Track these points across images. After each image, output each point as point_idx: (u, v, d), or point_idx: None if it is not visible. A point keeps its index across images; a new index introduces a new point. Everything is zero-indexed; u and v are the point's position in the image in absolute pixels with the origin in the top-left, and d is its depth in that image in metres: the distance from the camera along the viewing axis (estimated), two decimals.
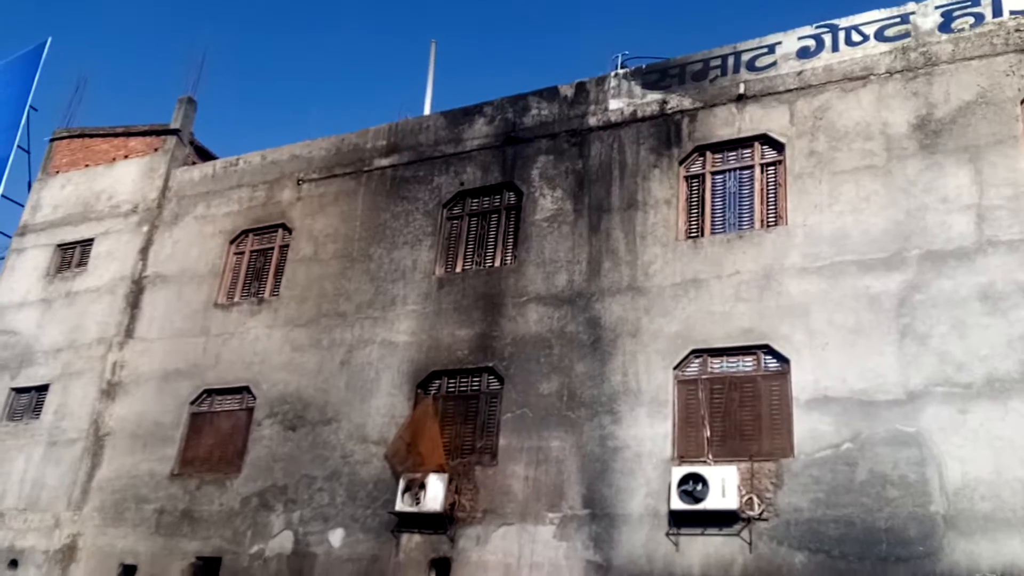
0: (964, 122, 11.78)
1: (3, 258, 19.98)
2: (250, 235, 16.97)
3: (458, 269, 14.58)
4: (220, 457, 15.01)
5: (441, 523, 12.50)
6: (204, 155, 19.33)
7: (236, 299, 16.42)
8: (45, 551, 15.57)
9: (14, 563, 15.77)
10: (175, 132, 19.01)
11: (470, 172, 15.21)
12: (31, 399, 17.61)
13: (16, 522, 16.20)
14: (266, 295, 16.09)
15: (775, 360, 11.69)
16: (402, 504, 12.65)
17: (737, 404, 11.63)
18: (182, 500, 14.83)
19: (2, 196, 21.17)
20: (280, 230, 16.64)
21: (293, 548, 13.53)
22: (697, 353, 12.13)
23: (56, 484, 16.14)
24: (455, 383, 13.77)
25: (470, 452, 13.07)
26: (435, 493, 12.44)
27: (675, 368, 12.14)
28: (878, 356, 11.03)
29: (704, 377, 11.97)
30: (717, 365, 12.03)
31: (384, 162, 16.15)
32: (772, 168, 12.90)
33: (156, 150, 19.05)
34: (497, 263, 14.31)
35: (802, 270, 11.88)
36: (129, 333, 17.02)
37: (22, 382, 17.73)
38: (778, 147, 12.90)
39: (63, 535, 15.55)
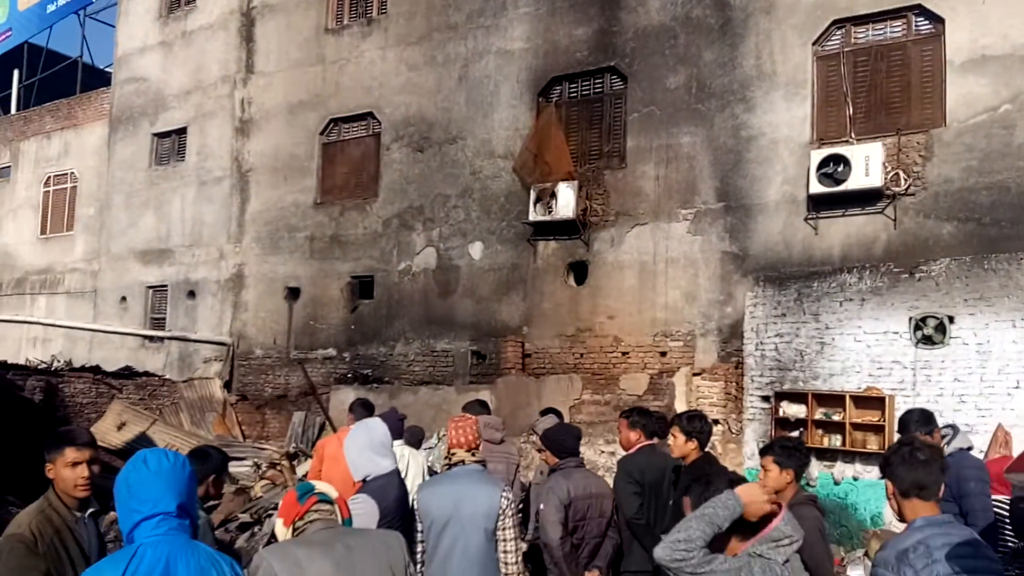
0: None
1: (116, 3, 20.04)
2: None
3: None
4: (356, 184, 15.48)
5: (575, 229, 12.65)
6: None
7: (345, 22, 16.01)
8: (216, 280, 17.01)
9: (191, 293, 17.38)
10: None
11: None
12: (173, 143, 18.43)
13: (185, 257, 17.63)
14: (374, 14, 15.57)
15: (927, 21, 10.52)
16: (535, 214, 12.80)
17: (883, 76, 10.71)
18: (329, 227, 15.57)
19: None
20: None
21: (437, 263, 14.16)
22: (839, 24, 11.05)
23: (213, 220, 17.25)
24: (576, 87, 13.27)
25: (597, 157, 12.86)
26: (566, 200, 12.47)
27: (814, 43, 11.17)
28: None
29: (847, 50, 10.98)
30: (861, 34, 10.97)
31: None
32: None
33: None
34: None
35: None
36: (250, 68, 17.10)
37: (161, 127, 18.50)
38: None
39: (229, 265, 16.86)
